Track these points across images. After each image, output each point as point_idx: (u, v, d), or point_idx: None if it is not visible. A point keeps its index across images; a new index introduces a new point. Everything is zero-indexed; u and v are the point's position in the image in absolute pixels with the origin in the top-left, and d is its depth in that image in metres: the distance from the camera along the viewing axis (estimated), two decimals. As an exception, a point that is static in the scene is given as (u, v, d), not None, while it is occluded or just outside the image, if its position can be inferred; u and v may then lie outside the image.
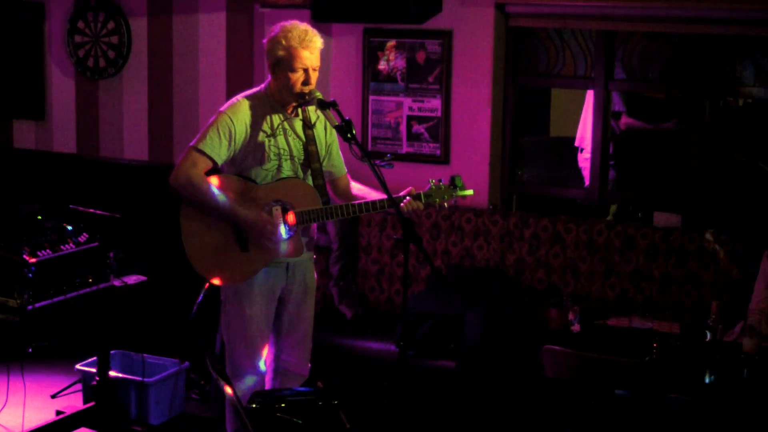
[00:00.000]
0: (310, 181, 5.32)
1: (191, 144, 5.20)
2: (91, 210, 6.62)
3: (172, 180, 5.21)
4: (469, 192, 5.27)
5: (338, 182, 5.55)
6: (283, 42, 5.13)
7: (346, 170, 5.57)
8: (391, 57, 7.23)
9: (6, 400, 6.52)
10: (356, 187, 5.54)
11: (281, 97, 5.24)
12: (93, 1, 8.20)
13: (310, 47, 5.14)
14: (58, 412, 6.60)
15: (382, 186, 4.88)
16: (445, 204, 5.27)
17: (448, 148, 7.18)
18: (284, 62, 5.15)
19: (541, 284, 6.80)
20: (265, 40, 5.25)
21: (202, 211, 5.24)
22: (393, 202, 4.98)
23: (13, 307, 5.69)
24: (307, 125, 5.31)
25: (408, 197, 5.18)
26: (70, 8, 8.34)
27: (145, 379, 6.56)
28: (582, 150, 8.17)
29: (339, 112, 5.05)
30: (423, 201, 5.19)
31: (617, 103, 8.31)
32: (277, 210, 5.21)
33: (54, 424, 6.35)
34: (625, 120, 8.37)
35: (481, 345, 6.25)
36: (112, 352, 6.53)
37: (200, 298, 6.48)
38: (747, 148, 7.92)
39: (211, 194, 5.17)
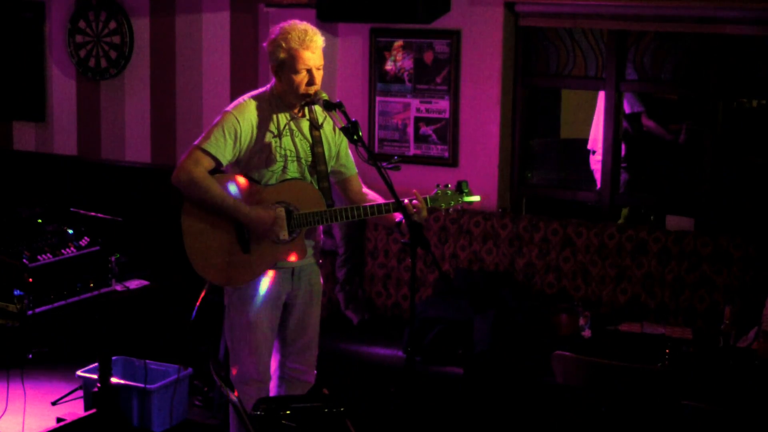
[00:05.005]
0: (315, 183, 5.23)
1: (195, 143, 5.16)
2: (93, 213, 6.60)
3: (174, 178, 5.17)
4: (476, 198, 5.23)
5: (349, 182, 5.49)
6: (283, 44, 5.10)
7: (357, 171, 5.49)
8: (399, 57, 7.18)
9: (6, 407, 6.50)
10: (368, 192, 5.47)
11: (287, 98, 5.20)
12: (94, 1, 8.16)
13: (312, 47, 5.11)
14: (59, 420, 6.61)
15: (389, 189, 4.84)
16: (451, 209, 5.20)
17: (457, 150, 7.13)
18: (286, 64, 5.12)
19: (551, 289, 6.75)
20: (265, 43, 5.24)
21: (205, 210, 5.19)
22: (400, 205, 4.91)
23: (13, 312, 5.71)
24: (314, 126, 5.26)
25: (415, 200, 5.10)
26: (71, 7, 8.29)
27: (148, 386, 6.55)
28: (594, 152, 8.13)
29: (345, 114, 5.00)
30: (428, 205, 5.13)
31: (635, 104, 8.28)
32: (281, 211, 5.14)
33: (55, 431, 6.35)
34: (645, 122, 8.35)
35: (489, 351, 6.21)
36: (113, 358, 6.54)
37: (199, 301, 6.41)
38: (761, 149, 7.88)
39: (214, 192, 5.13)
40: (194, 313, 5.85)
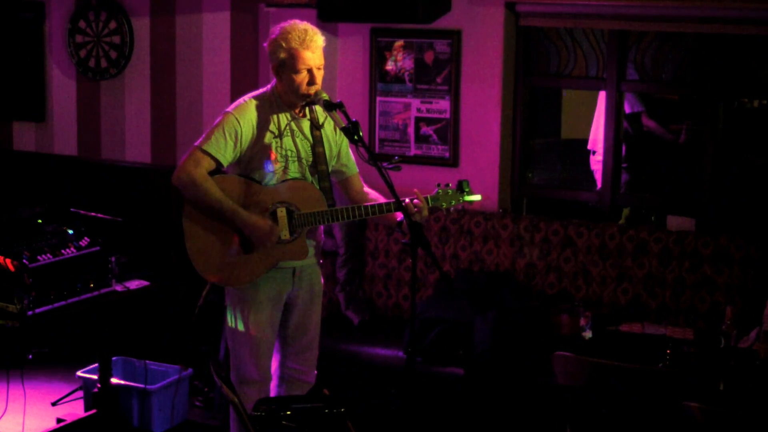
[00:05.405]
0: (316, 183, 5.22)
1: (196, 144, 5.15)
2: (93, 213, 6.59)
3: (174, 179, 5.15)
4: (477, 197, 5.21)
5: (350, 182, 5.47)
6: (284, 44, 5.09)
7: (358, 170, 5.48)
8: (399, 57, 7.17)
9: (6, 408, 6.50)
10: (370, 191, 5.46)
11: (288, 99, 5.19)
12: (94, 1, 8.14)
13: (312, 47, 5.10)
14: (59, 420, 6.60)
15: (390, 189, 4.82)
16: (452, 209, 5.18)
17: (457, 150, 7.11)
18: (287, 64, 5.11)
19: (552, 289, 6.73)
20: (265, 43, 5.23)
21: (205, 211, 5.16)
22: (400, 205, 4.89)
23: (13, 312, 5.70)
24: (315, 126, 5.25)
25: (416, 200, 5.08)
26: (71, 7, 8.28)
27: (148, 386, 6.53)
28: (594, 152, 8.12)
29: (345, 114, 4.98)
30: (430, 205, 5.11)
31: (635, 104, 8.26)
32: (281, 212, 5.13)
33: (55, 432, 6.33)
34: (646, 122, 8.34)
35: (490, 351, 6.19)
36: (113, 358, 6.53)
37: (201, 300, 6.41)
38: (762, 150, 7.87)
39: (213, 195, 5.12)
40: (195, 314, 5.84)
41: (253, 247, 5.17)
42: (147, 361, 6.63)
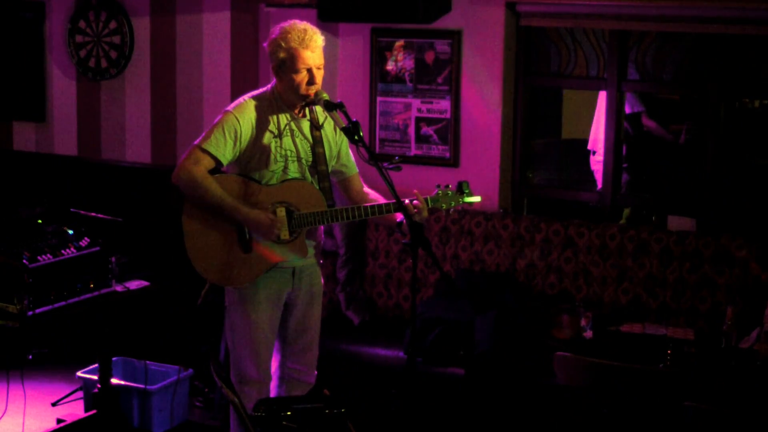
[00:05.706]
0: (316, 183, 5.21)
1: (195, 142, 5.15)
2: (93, 214, 6.59)
3: (174, 178, 5.16)
4: (476, 198, 5.20)
5: (350, 182, 5.47)
6: (283, 44, 5.09)
7: (358, 170, 5.47)
8: (400, 57, 7.16)
9: (6, 408, 6.49)
10: (370, 192, 5.45)
11: (288, 99, 5.18)
12: (94, 1, 8.13)
13: (311, 46, 5.09)
14: (59, 420, 6.59)
15: (390, 189, 4.81)
16: (451, 210, 5.18)
17: (458, 150, 7.11)
18: (286, 64, 5.10)
19: (552, 289, 6.73)
20: (265, 43, 5.23)
21: (205, 210, 5.18)
22: (400, 205, 4.89)
23: (13, 312, 5.69)
24: (315, 126, 5.24)
25: (415, 200, 5.07)
26: (71, 7, 8.28)
27: (148, 387, 6.53)
28: (594, 153, 8.11)
29: (346, 114, 4.98)
30: (429, 206, 5.10)
31: (635, 104, 8.26)
32: (281, 212, 5.13)
33: (55, 432, 6.34)
34: (646, 122, 8.33)
35: (491, 352, 6.19)
36: (113, 358, 6.52)
37: (201, 300, 6.40)
38: (762, 149, 7.86)
39: (213, 192, 5.12)
40: (199, 303, 5.82)
41: (254, 246, 5.17)
42: (147, 362, 6.63)
